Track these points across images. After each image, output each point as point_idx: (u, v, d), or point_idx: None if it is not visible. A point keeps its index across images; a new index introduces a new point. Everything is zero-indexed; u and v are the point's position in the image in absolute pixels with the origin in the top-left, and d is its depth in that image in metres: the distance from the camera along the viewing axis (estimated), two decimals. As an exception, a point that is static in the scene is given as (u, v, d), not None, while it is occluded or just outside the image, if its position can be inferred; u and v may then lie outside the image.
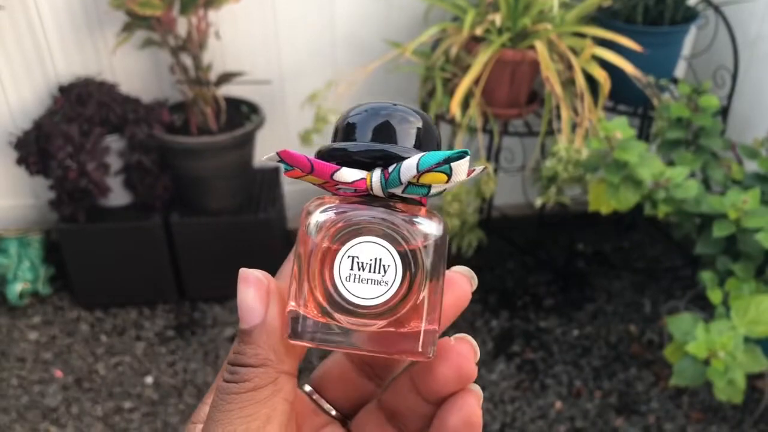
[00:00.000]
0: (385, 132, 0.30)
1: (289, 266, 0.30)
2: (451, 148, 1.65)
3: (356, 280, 0.28)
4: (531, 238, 2.03)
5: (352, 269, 0.28)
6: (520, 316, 1.79)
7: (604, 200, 1.38)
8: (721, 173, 1.48)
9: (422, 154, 0.28)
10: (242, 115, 1.71)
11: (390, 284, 0.28)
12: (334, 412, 0.34)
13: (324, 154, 0.30)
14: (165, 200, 1.68)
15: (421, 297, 0.28)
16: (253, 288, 0.29)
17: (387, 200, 0.29)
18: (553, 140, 1.56)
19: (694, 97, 1.49)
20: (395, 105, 0.30)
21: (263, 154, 1.80)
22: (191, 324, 1.76)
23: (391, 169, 0.29)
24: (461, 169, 0.28)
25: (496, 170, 1.71)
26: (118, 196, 1.68)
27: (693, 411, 1.53)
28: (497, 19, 1.46)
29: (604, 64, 1.52)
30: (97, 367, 1.64)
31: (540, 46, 1.47)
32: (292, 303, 0.28)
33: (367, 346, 0.28)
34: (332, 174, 0.29)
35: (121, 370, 1.63)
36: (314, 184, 0.30)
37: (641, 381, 1.60)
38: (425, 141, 0.30)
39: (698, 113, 1.48)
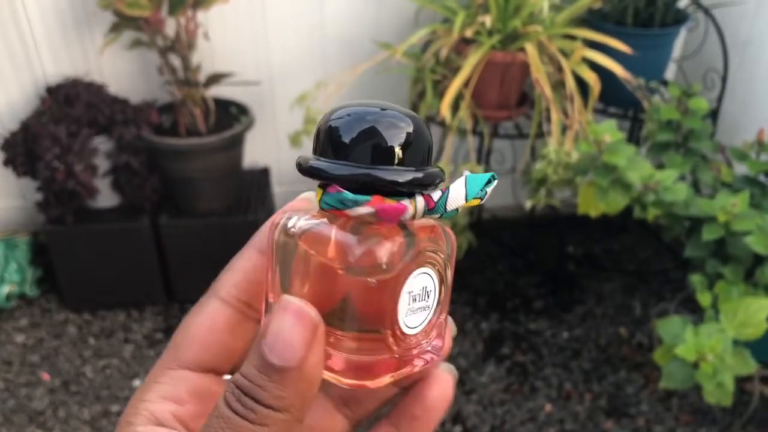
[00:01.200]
0: (369, 144, 0.26)
1: (252, 273, 0.29)
2: (440, 149, 1.65)
3: (411, 312, 0.27)
4: (521, 240, 2.03)
5: (408, 304, 0.27)
6: (510, 318, 1.79)
7: (593, 203, 1.38)
8: (710, 176, 1.48)
9: (463, 180, 0.27)
10: (231, 116, 1.71)
11: (431, 307, 0.28)
12: None
13: (305, 172, 0.27)
14: (153, 202, 1.67)
15: (445, 311, 0.29)
16: (295, 320, 0.25)
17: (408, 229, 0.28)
18: (544, 142, 1.55)
19: (684, 100, 1.49)
20: (383, 109, 0.27)
21: (252, 155, 1.80)
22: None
23: (436, 197, 0.27)
24: (490, 192, 0.28)
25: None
26: (106, 197, 1.67)
27: (682, 413, 1.53)
28: (487, 20, 1.46)
29: (594, 67, 1.52)
30: (85, 369, 1.62)
31: (530, 48, 1.47)
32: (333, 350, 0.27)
33: (410, 368, 0.28)
34: (401, 219, 0.26)
35: (109, 373, 1.62)
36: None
37: (631, 384, 1.60)
38: (415, 148, 0.27)
39: (688, 116, 1.48)
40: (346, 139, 0.26)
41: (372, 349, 0.27)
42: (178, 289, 1.79)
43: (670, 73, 1.85)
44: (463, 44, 1.52)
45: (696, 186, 1.50)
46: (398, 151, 0.26)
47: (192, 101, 1.61)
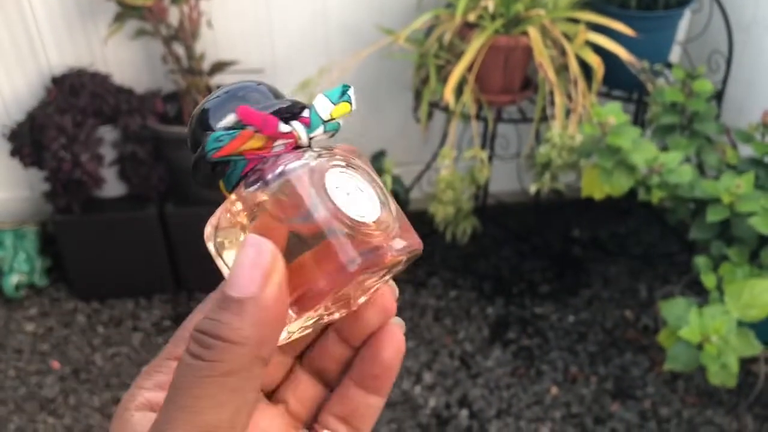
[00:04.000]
0: (237, 99, 0.30)
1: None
2: (444, 135, 1.64)
3: (353, 204, 0.28)
4: (526, 225, 2.03)
5: (348, 195, 0.28)
6: (516, 302, 1.79)
7: (598, 186, 1.38)
8: (715, 158, 1.47)
9: (321, 93, 0.30)
10: (236, 104, 1.71)
11: (373, 197, 0.29)
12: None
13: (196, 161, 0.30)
14: (160, 191, 1.68)
15: (393, 205, 0.30)
16: (253, 253, 0.26)
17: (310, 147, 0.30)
18: (548, 126, 1.55)
19: (689, 82, 1.49)
20: (250, 83, 0.31)
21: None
22: (188, 314, 1.75)
23: (307, 113, 0.30)
24: (353, 96, 0.31)
25: (490, 157, 1.71)
26: (112, 187, 1.68)
27: (688, 395, 1.54)
28: (490, 5, 1.46)
29: (598, 50, 1.52)
30: (95, 358, 1.64)
31: (533, 31, 1.47)
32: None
33: (390, 252, 0.28)
34: (278, 126, 0.29)
35: (119, 360, 1.63)
36: (242, 155, 0.29)
37: (637, 366, 1.61)
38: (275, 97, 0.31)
39: (692, 98, 1.47)
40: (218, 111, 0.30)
41: (356, 243, 0.27)
42: (186, 277, 1.80)
43: (675, 55, 1.84)
44: (467, 29, 1.52)
45: (701, 168, 1.50)
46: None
47: (196, 90, 1.62)
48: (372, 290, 0.30)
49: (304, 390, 0.33)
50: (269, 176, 0.27)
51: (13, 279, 1.76)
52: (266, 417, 0.32)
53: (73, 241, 1.72)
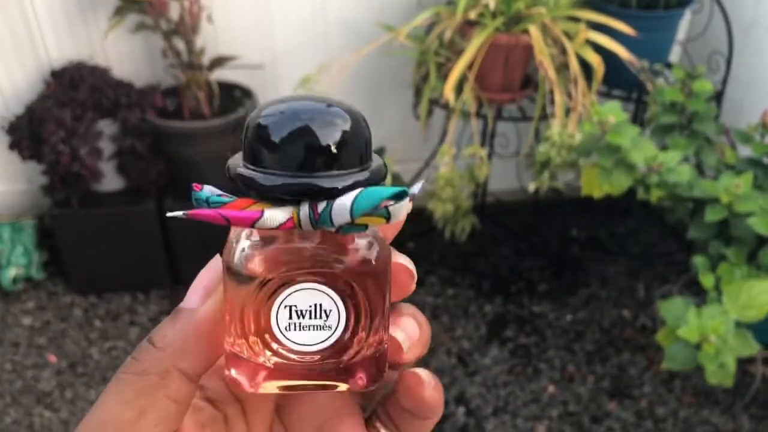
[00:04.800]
0: (302, 143, 0.25)
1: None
2: (443, 132, 1.64)
3: (297, 328, 0.26)
4: (525, 224, 2.03)
5: (291, 319, 0.26)
6: (514, 301, 1.79)
7: (597, 184, 1.38)
8: (714, 158, 1.47)
9: (356, 193, 0.24)
10: (235, 99, 1.71)
11: (334, 328, 0.26)
12: None
13: (235, 179, 0.26)
14: (158, 185, 1.68)
15: (366, 334, 0.27)
16: (211, 275, 0.27)
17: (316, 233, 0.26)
18: (547, 125, 1.55)
19: (688, 82, 1.49)
20: (318, 106, 0.26)
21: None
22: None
23: (320, 208, 0.25)
24: (401, 211, 0.26)
25: (490, 155, 1.71)
26: (111, 181, 1.68)
27: (685, 395, 1.54)
28: (491, 2, 1.46)
29: (598, 49, 1.52)
30: (91, 351, 1.64)
31: (534, 30, 1.47)
32: (229, 340, 0.26)
33: (315, 379, 0.27)
34: (253, 224, 0.25)
35: (115, 354, 1.63)
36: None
37: (634, 365, 1.61)
38: (350, 147, 0.26)
39: (692, 98, 1.47)
40: (276, 140, 0.25)
41: (250, 353, 0.26)
42: (183, 272, 1.80)
43: (675, 55, 1.84)
44: (467, 26, 1.52)
45: (700, 168, 1.50)
46: (331, 151, 0.25)
47: (196, 84, 1.61)
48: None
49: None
50: (247, 252, 0.26)
51: (11, 272, 1.76)
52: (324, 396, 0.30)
53: (71, 234, 1.71)
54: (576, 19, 1.56)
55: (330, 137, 0.25)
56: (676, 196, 1.37)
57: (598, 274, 1.87)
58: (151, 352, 0.26)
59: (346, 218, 0.24)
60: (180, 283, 1.81)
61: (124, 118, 1.59)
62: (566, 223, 2.01)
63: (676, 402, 1.52)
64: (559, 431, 1.47)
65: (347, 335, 0.26)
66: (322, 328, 0.26)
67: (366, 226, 0.25)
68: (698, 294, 1.46)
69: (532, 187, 1.57)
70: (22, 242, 1.80)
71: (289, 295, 0.25)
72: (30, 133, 1.56)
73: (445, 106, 1.60)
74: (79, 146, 1.53)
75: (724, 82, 1.70)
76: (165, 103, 1.65)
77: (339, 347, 0.26)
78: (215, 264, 0.27)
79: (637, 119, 1.79)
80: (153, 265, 1.78)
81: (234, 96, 1.72)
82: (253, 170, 0.25)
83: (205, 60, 1.63)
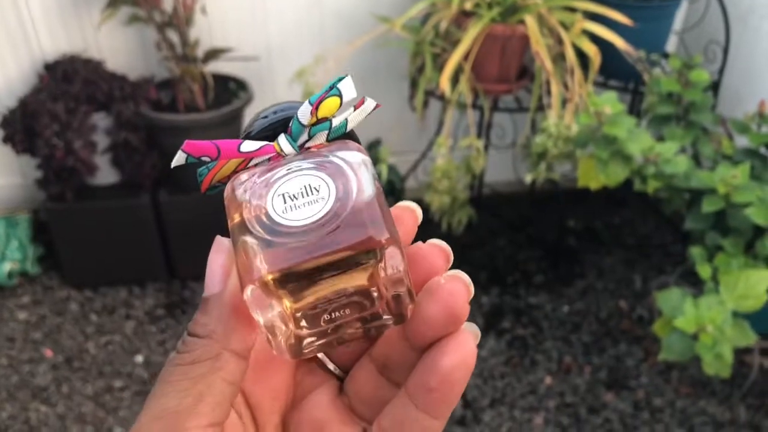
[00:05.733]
0: (275, 111, 0.31)
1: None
2: (440, 123, 1.63)
3: (292, 209, 0.27)
4: (522, 215, 2.03)
5: (285, 203, 0.27)
6: (511, 292, 1.79)
7: (593, 176, 1.37)
8: (711, 148, 1.47)
9: (308, 99, 0.29)
10: (230, 92, 1.70)
11: (327, 197, 0.27)
12: (337, 371, 0.31)
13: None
14: (153, 178, 1.67)
15: (365, 202, 0.27)
16: (222, 256, 0.28)
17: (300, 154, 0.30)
18: (544, 116, 1.55)
19: (685, 72, 1.49)
20: (295, 104, 0.31)
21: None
22: (181, 303, 1.75)
23: (291, 123, 0.30)
24: (348, 86, 0.29)
25: (486, 147, 1.70)
26: (105, 174, 1.67)
27: (682, 386, 1.54)
28: (486, -7, 1.45)
29: (595, 39, 1.51)
30: (87, 346, 1.63)
31: (530, 20, 1.46)
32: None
33: (325, 248, 0.26)
34: (239, 147, 0.29)
35: (111, 349, 1.63)
36: (228, 177, 0.30)
37: (631, 356, 1.61)
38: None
39: (689, 88, 1.47)
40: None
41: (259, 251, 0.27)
42: (179, 265, 1.79)
43: (672, 45, 1.84)
44: (463, 17, 1.51)
45: (696, 158, 1.49)
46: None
47: (190, 77, 1.60)
48: (403, 292, 0.27)
49: (365, 384, 0.30)
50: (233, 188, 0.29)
51: (6, 267, 1.75)
52: (320, 410, 0.31)
53: (66, 228, 1.71)
54: (572, 9, 1.55)
55: (295, 108, 0.31)
56: (672, 187, 1.37)
57: (595, 266, 1.87)
58: (197, 343, 0.27)
59: (308, 109, 0.29)
60: (176, 276, 1.81)
61: (118, 111, 1.58)
62: (563, 214, 2.01)
63: (673, 393, 1.52)
64: (556, 422, 1.47)
65: (342, 204, 0.27)
66: (316, 201, 0.27)
67: (330, 122, 0.29)
68: (695, 285, 1.46)
69: (528, 178, 1.56)
70: (17, 236, 1.79)
71: (280, 185, 0.28)
72: (24, 126, 1.55)
73: (441, 98, 1.59)
74: (73, 140, 1.52)
75: (721, 72, 1.70)
76: (159, 96, 1.64)
77: (339, 216, 0.27)
78: (221, 245, 0.28)
79: (634, 109, 1.79)
80: (148, 258, 1.77)
81: (229, 88, 1.71)
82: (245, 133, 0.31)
83: (200, 52, 1.62)
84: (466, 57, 1.49)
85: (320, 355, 0.31)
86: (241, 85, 1.71)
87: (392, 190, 1.69)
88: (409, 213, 0.30)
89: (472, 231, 1.83)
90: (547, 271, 1.86)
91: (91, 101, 1.59)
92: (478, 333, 0.28)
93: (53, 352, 1.61)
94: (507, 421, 1.47)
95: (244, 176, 0.29)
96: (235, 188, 0.29)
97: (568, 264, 1.88)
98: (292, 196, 0.27)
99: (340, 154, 0.29)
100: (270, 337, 0.27)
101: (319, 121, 0.29)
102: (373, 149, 1.77)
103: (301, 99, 1.58)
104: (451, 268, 0.29)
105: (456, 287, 0.27)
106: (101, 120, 1.60)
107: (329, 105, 0.29)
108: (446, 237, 1.85)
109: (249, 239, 0.27)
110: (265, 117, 0.31)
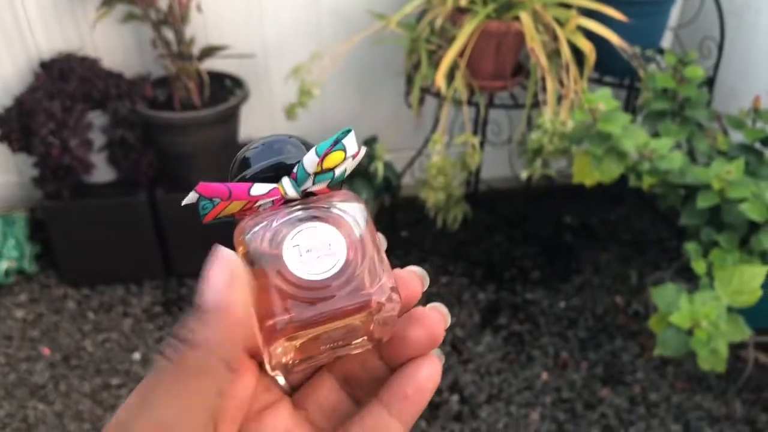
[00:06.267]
0: (273, 151, 0.33)
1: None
2: (435, 120, 1.64)
3: (307, 262, 0.29)
4: (518, 211, 2.03)
5: (301, 256, 0.29)
6: (507, 288, 1.80)
7: (588, 172, 1.38)
8: (706, 144, 1.48)
9: (314, 147, 0.31)
10: (226, 89, 1.70)
11: (338, 254, 0.30)
12: (286, 388, 0.33)
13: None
14: (150, 176, 1.67)
15: (368, 257, 0.30)
16: (222, 266, 0.28)
17: (304, 198, 0.32)
18: (539, 112, 1.55)
19: (680, 68, 1.49)
20: (283, 137, 0.33)
21: (248, 128, 1.80)
22: (178, 300, 1.75)
23: (295, 169, 0.31)
24: (352, 142, 0.31)
25: (482, 143, 1.71)
26: (102, 172, 1.67)
27: (678, 381, 1.54)
28: (482, -10, 1.45)
29: (590, 35, 1.51)
30: (85, 344, 1.64)
31: (525, 17, 1.46)
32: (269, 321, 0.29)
33: (337, 306, 0.29)
34: (249, 190, 0.31)
35: (109, 346, 1.63)
36: (233, 216, 0.32)
37: (627, 352, 1.62)
38: (296, 147, 0.33)
39: (684, 84, 1.47)
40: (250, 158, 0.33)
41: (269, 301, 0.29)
42: (176, 263, 1.80)
43: (667, 41, 1.84)
44: (458, 13, 1.51)
45: (692, 154, 1.50)
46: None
47: (186, 75, 1.60)
48: (389, 326, 0.31)
49: (326, 397, 0.33)
50: (246, 231, 0.30)
51: (3, 265, 1.75)
52: (281, 420, 0.31)
53: (63, 227, 1.71)
54: (567, 6, 1.55)
55: (299, 146, 0.33)
56: (667, 183, 1.37)
57: (591, 261, 1.88)
58: (192, 351, 0.27)
59: (315, 160, 0.30)
60: (173, 273, 1.81)
61: (115, 109, 1.58)
62: (559, 210, 2.01)
63: (668, 388, 1.53)
64: (553, 418, 1.47)
65: (351, 260, 0.30)
66: (328, 256, 0.30)
67: (333, 173, 0.31)
68: (690, 280, 1.46)
69: (524, 174, 1.57)
70: (13, 235, 1.79)
71: (294, 237, 0.30)
72: (20, 125, 1.55)
73: (437, 94, 1.59)
74: (69, 138, 1.52)
75: (716, 67, 1.70)
76: (155, 94, 1.64)
77: (348, 273, 0.30)
78: (223, 258, 0.29)
79: (630, 106, 1.79)
80: (145, 256, 1.77)
81: (225, 86, 1.71)
82: (239, 173, 0.33)
83: (195, 50, 1.62)
84: (461, 54, 1.50)
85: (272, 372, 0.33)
86: (237, 83, 1.71)
87: (388, 187, 1.70)
88: (416, 279, 0.32)
89: (468, 227, 1.84)
90: (543, 267, 1.87)
91: (87, 99, 1.59)
92: (443, 357, 0.32)
93: (51, 350, 1.62)
94: (504, 416, 1.48)
95: (254, 220, 0.31)
96: (247, 230, 0.30)
97: (564, 260, 1.88)
98: (307, 248, 0.30)
99: (343, 206, 0.31)
100: (268, 356, 0.29)
101: (323, 171, 0.31)
102: (369, 146, 1.77)
103: (297, 96, 1.58)
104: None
105: (437, 317, 0.31)
106: (97, 118, 1.60)
107: (334, 158, 0.31)
108: (442, 234, 1.85)
109: (269, 281, 0.29)
110: (256, 148, 0.33)
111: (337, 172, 0.32)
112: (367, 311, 0.30)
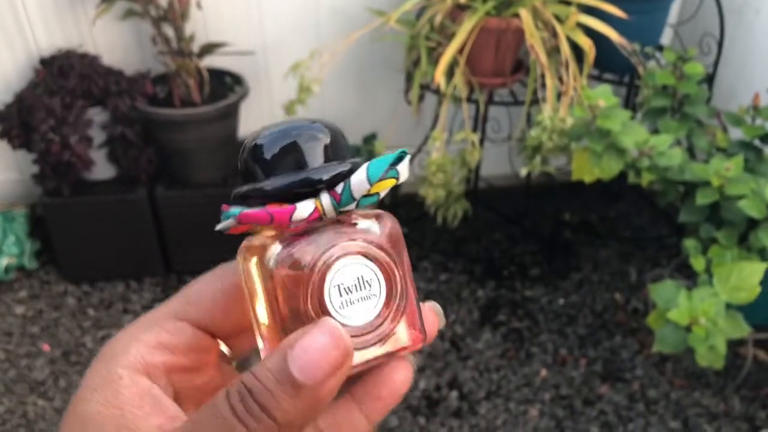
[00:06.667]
0: (292, 155, 0.29)
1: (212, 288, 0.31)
2: (435, 117, 1.64)
3: (348, 304, 0.28)
4: (517, 208, 2.03)
5: (341, 296, 0.28)
6: (506, 285, 1.80)
7: (588, 168, 1.38)
8: (705, 141, 1.48)
9: (366, 165, 0.28)
10: (226, 86, 1.70)
11: (378, 295, 0.29)
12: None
13: (242, 198, 0.30)
14: (150, 173, 1.67)
15: (408, 295, 0.29)
16: (330, 342, 0.25)
17: (334, 219, 0.29)
18: (539, 109, 1.55)
19: (680, 65, 1.49)
20: (304, 123, 0.29)
21: (247, 125, 1.80)
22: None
23: (339, 189, 0.28)
24: (405, 168, 0.29)
25: (482, 140, 1.71)
26: (102, 169, 1.67)
27: (676, 378, 1.55)
28: (481, -14, 1.45)
29: (590, 32, 1.51)
30: (85, 340, 1.64)
31: (524, 13, 1.46)
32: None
33: (375, 355, 0.29)
34: (291, 216, 0.28)
35: (109, 343, 1.63)
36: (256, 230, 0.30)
37: (626, 349, 1.62)
38: (334, 155, 0.30)
39: (683, 81, 1.47)
40: (268, 156, 0.29)
41: None
42: (175, 259, 1.80)
43: (666, 38, 1.84)
44: (458, 10, 1.51)
45: (691, 151, 1.50)
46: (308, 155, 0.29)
47: (186, 72, 1.60)
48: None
49: None
50: (282, 252, 0.28)
51: (3, 261, 1.75)
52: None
53: (63, 223, 1.71)
54: (567, 2, 1.55)
55: (319, 138, 0.29)
56: (667, 180, 1.37)
57: (590, 258, 1.88)
58: (271, 427, 0.25)
59: (366, 187, 0.28)
60: (172, 270, 1.81)
61: (114, 106, 1.58)
62: (558, 207, 2.01)
63: (667, 384, 1.53)
64: (551, 414, 1.47)
65: (390, 300, 0.29)
66: (368, 297, 0.28)
67: (377, 196, 0.29)
68: (690, 277, 1.46)
69: (523, 171, 1.57)
70: (14, 231, 1.79)
71: (335, 274, 0.28)
72: (20, 121, 1.55)
73: (437, 91, 1.59)
74: (69, 134, 1.52)
75: (716, 64, 1.70)
76: (155, 91, 1.64)
77: (386, 313, 0.29)
78: (334, 332, 0.26)
79: (630, 102, 1.79)
80: (145, 252, 1.78)
81: (225, 83, 1.71)
82: (263, 182, 0.29)
83: (195, 47, 1.62)
84: (461, 51, 1.50)
85: (234, 363, 0.33)
86: (236, 80, 1.71)
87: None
88: (434, 317, 0.32)
89: (468, 224, 1.84)
90: (542, 264, 1.87)
91: (87, 96, 1.59)
92: (414, 364, 0.32)
93: (50, 346, 1.62)
94: (502, 413, 1.48)
95: (284, 240, 0.28)
96: (285, 258, 0.28)
97: (563, 257, 1.89)
98: (347, 289, 0.28)
99: (380, 230, 0.29)
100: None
101: (369, 195, 0.29)
102: (368, 143, 1.78)
103: (297, 93, 1.58)
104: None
105: (432, 318, 0.31)
106: (97, 115, 1.60)
107: (384, 185, 0.28)
108: (441, 231, 1.86)
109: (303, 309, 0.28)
110: (270, 136, 0.29)
111: (382, 194, 0.29)
112: (394, 354, 0.30)
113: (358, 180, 0.28)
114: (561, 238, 1.95)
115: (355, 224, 0.29)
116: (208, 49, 1.63)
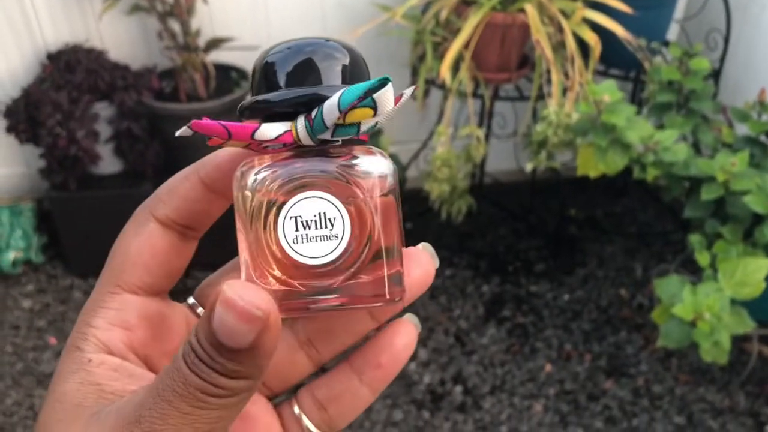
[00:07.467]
0: (307, 72, 0.27)
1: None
2: (440, 112, 1.64)
3: (304, 240, 0.26)
4: (522, 204, 2.03)
5: (297, 230, 0.26)
6: (511, 281, 1.80)
7: (593, 164, 1.38)
8: (711, 136, 1.47)
9: (342, 90, 0.25)
10: (232, 81, 1.70)
11: (340, 237, 0.26)
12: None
13: (247, 110, 0.27)
14: (156, 167, 1.68)
15: (376, 243, 0.27)
16: (238, 319, 0.23)
17: (321, 146, 0.27)
18: (544, 105, 1.55)
19: (686, 60, 1.49)
20: (319, 41, 0.27)
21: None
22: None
23: (314, 113, 0.26)
24: (386, 99, 0.25)
25: (487, 135, 1.71)
26: (108, 163, 1.68)
27: (681, 373, 1.55)
28: (487, -19, 1.45)
29: (595, 27, 1.51)
30: (91, 333, 1.65)
31: (530, 8, 1.46)
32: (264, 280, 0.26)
33: (333, 303, 0.26)
34: (252, 134, 0.26)
35: (115, 336, 1.64)
36: (241, 148, 0.28)
37: (631, 344, 1.62)
38: (353, 77, 0.28)
39: (689, 76, 1.47)
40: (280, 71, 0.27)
41: (262, 276, 0.26)
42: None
43: (672, 33, 1.83)
44: (463, 5, 1.51)
45: (696, 147, 1.49)
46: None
47: (192, 66, 1.61)
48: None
49: (281, 356, 0.30)
50: (256, 173, 0.27)
51: (10, 255, 1.76)
52: None
53: (70, 217, 1.72)
54: (573, -2, 1.55)
55: (336, 57, 0.27)
56: (672, 175, 1.37)
57: (595, 254, 1.88)
58: (239, 384, 0.24)
59: (336, 114, 0.25)
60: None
61: (121, 101, 1.59)
62: (564, 203, 2.01)
63: (672, 380, 1.53)
64: (556, 409, 1.48)
65: (354, 246, 0.26)
66: (328, 238, 0.26)
67: (358, 127, 0.26)
68: (695, 273, 1.46)
69: (529, 167, 1.57)
70: (21, 225, 1.80)
71: (293, 205, 0.26)
72: (27, 116, 1.56)
73: (442, 86, 1.59)
74: (76, 129, 1.53)
75: (722, 60, 1.70)
76: (161, 86, 1.65)
77: (348, 260, 0.26)
78: (240, 308, 0.23)
79: (635, 98, 1.79)
80: (152, 247, 1.78)
81: (230, 77, 1.71)
82: (256, 96, 0.27)
83: (201, 42, 1.63)
84: (466, 46, 1.50)
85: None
86: (242, 75, 1.71)
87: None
88: (428, 258, 0.30)
89: (473, 220, 1.84)
90: (547, 259, 1.87)
91: (94, 91, 1.60)
92: (420, 327, 0.30)
93: (57, 339, 1.63)
94: (507, 408, 1.48)
95: (253, 164, 0.27)
96: (246, 175, 0.27)
97: (568, 252, 1.89)
98: (305, 223, 0.26)
99: (362, 167, 0.27)
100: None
101: (345, 125, 0.26)
102: (373, 139, 1.78)
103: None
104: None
105: (427, 257, 0.30)
106: (104, 109, 1.61)
107: (359, 114, 0.26)
108: (446, 226, 1.86)
109: (265, 242, 0.26)
110: (282, 53, 0.27)
111: (364, 127, 0.27)
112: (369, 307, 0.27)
113: (330, 105, 0.25)
114: (566, 233, 1.95)
115: (354, 160, 0.27)
116: (214, 44, 1.64)
